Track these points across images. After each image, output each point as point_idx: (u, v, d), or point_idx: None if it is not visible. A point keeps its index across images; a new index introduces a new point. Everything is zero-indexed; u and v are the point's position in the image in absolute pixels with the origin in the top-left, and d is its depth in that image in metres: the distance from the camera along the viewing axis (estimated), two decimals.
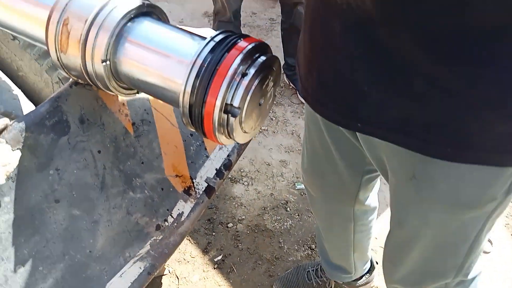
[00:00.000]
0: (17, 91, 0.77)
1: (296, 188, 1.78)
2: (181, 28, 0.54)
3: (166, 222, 0.70)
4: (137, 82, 0.54)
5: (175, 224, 0.71)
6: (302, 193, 1.76)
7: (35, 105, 0.85)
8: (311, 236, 1.61)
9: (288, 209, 1.71)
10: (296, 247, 1.57)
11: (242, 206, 1.71)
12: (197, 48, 0.48)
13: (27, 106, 0.77)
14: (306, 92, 0.71)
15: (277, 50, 2.68)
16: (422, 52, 0.50)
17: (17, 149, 0.55)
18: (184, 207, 0.73)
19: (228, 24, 2.10)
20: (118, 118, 0.66)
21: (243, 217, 1.67)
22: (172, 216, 0.71)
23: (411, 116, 0.55)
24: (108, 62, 0.52)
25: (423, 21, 0.48)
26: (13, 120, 0.55)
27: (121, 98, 0.68)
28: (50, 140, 0.57)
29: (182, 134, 0.78)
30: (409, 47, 0.50)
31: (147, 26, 0.53)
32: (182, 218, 0.72)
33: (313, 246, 1.57)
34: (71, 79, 0.64)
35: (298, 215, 1.68)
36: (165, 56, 0.50)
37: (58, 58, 0.55)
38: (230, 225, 1.64)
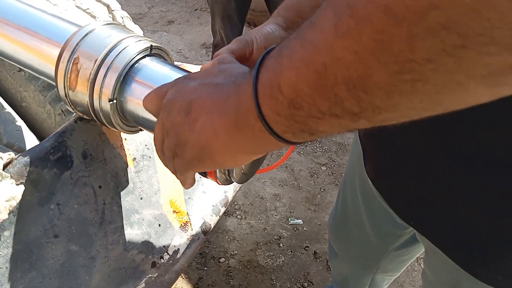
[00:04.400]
0: (20, 122, 0.77)
1: (289, 223, 1.78)
2: (185, 70, 0.56)
3: (162, 259, 0.69)
4: (141, 120, 0.55)
5: (171, 261, 0.71)
6: (295, 228, 1.75)
7: (36, 135, 0.86)
8: (303, 274, 1.59)
9: (281, 244, 1.70)
10: (289, 285, 1.55)
11: (235, 240, 1.70)
12: None
13: (29, 137, 0.77)
14: (368, 165, 0.69)
15: None
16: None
17: (21, 183, 0.55)
18: (180, 244, 0.73)
19: None
20: (120, 154, 0.67)
21: (236, 252, 1.65)
22: (168, 253, 0.71)
23: (469, 234, 0.53)
24: (114, 101, 0.54)
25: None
26: (18, 154, 0.56)
27: (123, 134, 0.69)
28: (53, 174, 0.58)
29: None
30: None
31: (153, 67, 0.55)
32: (178, 255, 0.72)
33: (306, 285, 1.56)
34: (75, 114, 0.65)
35: (291, 251, 1.67)
36: None
37: (66, 94, 0.56)
38: (222, 260, 1.62)
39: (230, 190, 0.84)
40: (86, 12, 0.88)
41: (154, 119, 0.53)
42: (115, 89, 0.53)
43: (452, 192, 0.50)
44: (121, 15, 0.94)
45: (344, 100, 0.26)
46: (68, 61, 0.54)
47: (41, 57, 0.59)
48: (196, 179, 0.81)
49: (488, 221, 0.49)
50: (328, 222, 1.01)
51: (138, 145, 0.71)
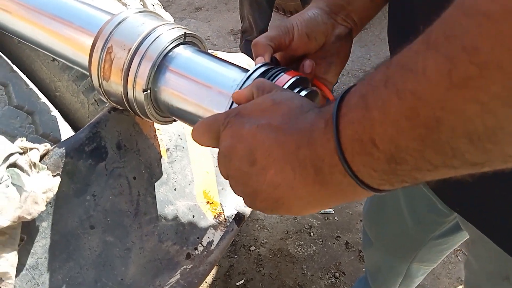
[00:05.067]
0: (55, 112, 0.78)
1: (320, 212, 1.75)
2: (220, 58, 0.54)
3: (196, 251, 0.69)
4: (176, 111, 0.53)
5: (205, 252, 0.70)
6: (326, 218, 1.73)
7: (70, 124, 0.87)
8: (335, 264, 1.57)
9: (312, 234, 1.68)
10: (320, 275, 1.54)
11: (265, 229, 1.69)
12: (238, 80, 0.48)
13: (63, 127, 0.78)
14: None
15: None
16: None
17: (57, 174, 0.55)
18: (214, 235, 0.72)
19: None
20: (153, 144, 0.66)
21: (266, 240, 1.65)
22: (202, 245, 0.70)
23: None
24: (149, 91, 0.52)
25: None
26: (54, 145, 0.56)
27: (156, 124, 0.68)
28: (88, 166, 0.58)
29: (214, 160, 0.77)
30: None
31: (187, 56, 0.53)
32: (212, 247, 0.71)
33: (337, 275, 1.53)
34: (108, 104, 0.65)
35: (322, 241, 1.65)
36: (206, 87, 0.50)
37: (100, 84, 0.55)
38: (252, 248, 1.61)
39: None
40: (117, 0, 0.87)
41: (189, 110, 0.51)
42: (149, 79, 0.52)
43: (505, 177, 0.46)
44: (152, 2, 0.92)
45: (465, 153, 0.23)
46: (101, 50, 0.53)
47: (75, 46, 0.59)
48: None
49: None
50: (363, 209, 0.98)
51: (171, 136, 0.70)
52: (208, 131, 0.40)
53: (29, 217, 0.48)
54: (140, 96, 0.52)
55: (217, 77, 0.51)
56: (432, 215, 0.74)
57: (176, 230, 0.67)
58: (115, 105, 0.59)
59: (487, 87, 0.20)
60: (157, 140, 0.67)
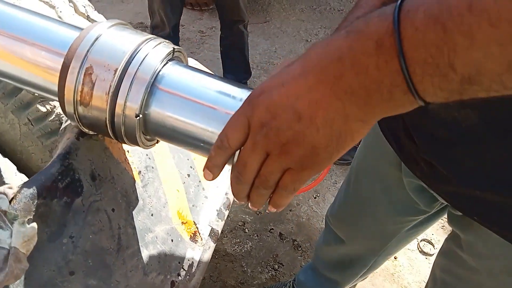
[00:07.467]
0: None
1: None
2: (213, 74, 0.51)
3: (179, 277, 0.64)
4: (171, 135, 0.48)
5: (188, 276, 0.66)
6: (258, 213, 1.75)
7: None
8: (272, 256, 1.61)
9: (246, 230, 1.69)
10: (260, 269, 1.56)
11: None
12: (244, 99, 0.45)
13: None
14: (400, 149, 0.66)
15: (211, 64, 2.65)
16: None
17: (29, 219, 0.46)
18: (193, 257, 0.68)
19: (168, 39, 2.03)
20: (125, 169, 0.60)
21: None
22: (184, 269, 0.66)
23: None
24: (141, 116, 0.47)
25: None
26: (21, 186, 0.47)
27: (125, 145, 0.62)
28: (63, 204, 0.50)
29: (181, 176, 0.73)
30: None
31: (180, 75, 0.48)
32: (193, 269, 0.67)
33: (276, 267, 1.58)
34: (68, 129, 0.56)
35: (257, 235, 1.67)
36: (211, 108, 0.46)
37: (75, 110, 0.47)
38: None
39: (230, 191, 0.80)
40: (44, 2, 0.75)
41: (191, 134, 0.47)
42: (142, 103, 0.46)
43: None
44: (83, 3, 0.82)
45: None
46: (78, 72, 0.45)
47: (31, 67, 0.49)
48: (195, 185, 0.76)
49: None
50: (329, 212, 1.02)
51: (140, 156, 0.64)
52: (237, 126, 0.39)
53: (14, 280, 0.40)
54: (131, 121, 0.47)
55: (219, 97, 0.47)
56: (411, 215, 0.80)
57: (158, 259, 0.61)
58: (86, 130, 0.52)
59: None
60: (128, 163, 0.61)
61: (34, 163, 0.78)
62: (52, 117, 0.74)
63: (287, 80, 0.36)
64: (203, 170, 0.44)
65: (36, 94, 0.70)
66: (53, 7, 0.77)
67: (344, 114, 0.34)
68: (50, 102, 0.73)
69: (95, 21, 0.83)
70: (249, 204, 0.45)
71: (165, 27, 1.97)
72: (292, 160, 0.37)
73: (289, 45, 2.94)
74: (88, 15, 0.82)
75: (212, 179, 0.45)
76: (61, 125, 0.74)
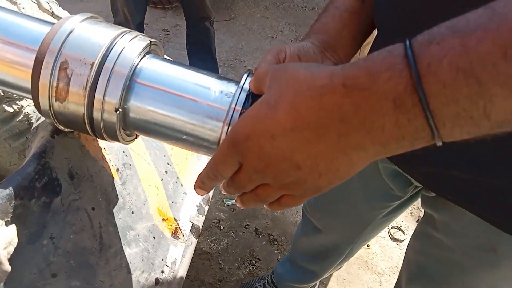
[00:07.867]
0: None
1: (225, 204, 1.77)
2: (190, 67, 0.50)
3: (163, 274, 0.64)
4: (152, 129, 0.48)
5: (172, 273, 0.65)
6: (232, 209, 1.75)
7: None
8: (249, 252, 1.61)
9: (222, 227, 1.69)
10: (237, 266, 1.56)
11: None
12: (227, 92, 0.45)
13: None
14: None
15: None
16: None
17: (6, 221, 0.44)
18: (175, 253, 0.68)
19: None
20: (103, 166, 0.59)
21: None
22: (167, 265, 0.65)
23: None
24: (120, 110, 0.46)
25: None
26: None
27: (102, 142, 0.60)
28: (42, 204, 0.48)
29: (159, 173, 0.72)
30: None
31: (159, 68, 0.48)
32: (177, 266, 0.67)
33: (253, 262, 1.58)
34: (42, 126, 0.54)
35: (233, 232, 1.67)
36: (191, 100, 0.46)
37: (50, 106, 0.46)
38: None
39: None
40: None
41: (173, 126, 0.47)
42: (121, 97, 0.45)
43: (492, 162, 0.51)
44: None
45: None
46: (53, 67, 0.44)
47: (3, 64, 0.47)
48: (173, 181, 0.75)
49: None
50: (306, 202, 1.03)
51: (117, 153, 0.62)
52: (227, 163, 0.37)
53: None
54: (111, 116, 0.46)
55: (199, 89, 0.47)
56: (386, 201, 0.82)
57: (141, 256, 0.61)
58: (62, 127, 0.50)
59: None
60: (106, 161, 0.59)
61: (2, 166, 0.74)
62: (20, 118, 0.71)
63: (277, 133, 0.33)
64: (195, 189, 0.44)
65: (1, 94, 0.68)
66: (15, 3, 0.74)
67: (351, 164, 0.32)
68: (17, 102, 0.70)
69: (60, 17, 0.80)
70: (238, 203, 0.45)
71: (129, 25, 1.93)
72: (293, 192, 0.37)
73: (255, 42, 2.95)
74: (52, 12, 0.79)
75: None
76: (29, 125, 0.71)
